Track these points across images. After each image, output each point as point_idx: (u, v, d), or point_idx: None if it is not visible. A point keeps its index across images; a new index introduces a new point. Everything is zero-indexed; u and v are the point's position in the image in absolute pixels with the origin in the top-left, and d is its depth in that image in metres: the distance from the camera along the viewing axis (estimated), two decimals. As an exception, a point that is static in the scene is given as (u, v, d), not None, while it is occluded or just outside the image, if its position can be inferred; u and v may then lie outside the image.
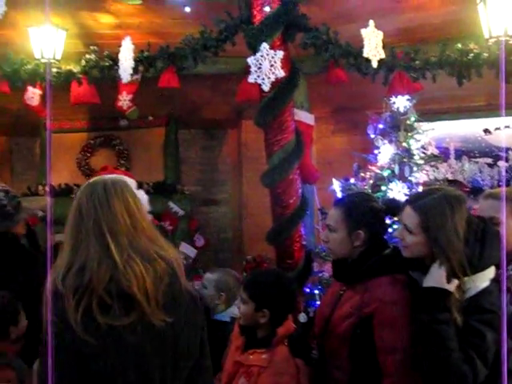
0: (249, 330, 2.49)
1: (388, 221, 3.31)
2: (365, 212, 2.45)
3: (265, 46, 3.70)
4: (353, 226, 2.41)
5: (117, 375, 1.60)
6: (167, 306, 1.65)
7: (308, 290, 4.54)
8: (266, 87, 3.74)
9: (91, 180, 1.84)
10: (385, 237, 2.62)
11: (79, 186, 3.88)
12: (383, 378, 2.21)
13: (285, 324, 2.46)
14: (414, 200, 2.31)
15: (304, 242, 4.34)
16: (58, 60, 4.50)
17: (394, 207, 2.59)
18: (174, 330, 1.66)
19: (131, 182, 3.88)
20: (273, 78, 3.73)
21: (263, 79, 3.70)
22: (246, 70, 4.30)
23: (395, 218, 3.61)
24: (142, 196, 3.88)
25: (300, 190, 4.24)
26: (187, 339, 1.71)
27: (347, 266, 2.44)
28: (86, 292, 1.60)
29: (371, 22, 3.89)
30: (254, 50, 3.82)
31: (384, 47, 3.93)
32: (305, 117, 4.67)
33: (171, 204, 6.08)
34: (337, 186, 4.92)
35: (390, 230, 3.55)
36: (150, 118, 6.38)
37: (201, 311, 1.82)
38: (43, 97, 4.78)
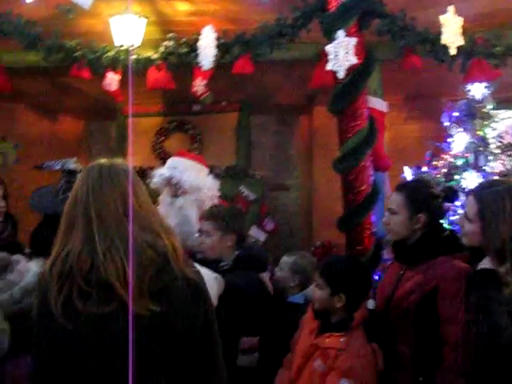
0: (323, 314, 2.54)
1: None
2: (426, 197, 2.61)
3: (341, 33, 3.71)
4: (414, 210, 2.58)
5: (99, 363, 1.59)
6: (155, 295, 1.60)
7: (377, 278, 4.54)
8: (342, 74, 3.75)
9: (90, 164, 1.79)
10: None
11: (153, 168, 4.04)
12: (444, 348, 2.36)
13: (361, 309, 2.52)
14: (477, 190, 2.40)
15: (374, 229, 4.34)
16: (137, 47, 4.64)
17: (451, 194, 2.80)
18: (164, 319, 1.61)
19: (201, 169, 4.03)
20: (347, 65, 3.74)
21: (340, 66, 3.71)
22: (320, 57, 4.32)
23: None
24: (211, 182, 4.02)
25: (372, 178, 4.23)
26: (183, 327, 1.66)
27: (408, 248, 2.61)
28: (67, 279, 1.59)
29: (450, 8, 3.81)
30: (330, 36, 3.83)
31: (463, 33, 3.85)
32: (378, 104, 4.64)
33: (242, 188, 6.17)
34: (408, 173, 4.88)
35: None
36: (223, 103, 6.47)
37: (205, 298, 1.75)
38: (121, 82, 4.94)
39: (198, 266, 2.60)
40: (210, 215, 3.11)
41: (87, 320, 1.57)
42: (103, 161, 1.78)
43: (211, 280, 2.64)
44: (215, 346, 1.78)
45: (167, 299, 1.62)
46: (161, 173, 3.91)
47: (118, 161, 1.80)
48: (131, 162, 6.38)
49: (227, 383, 1.80)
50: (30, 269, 2.39)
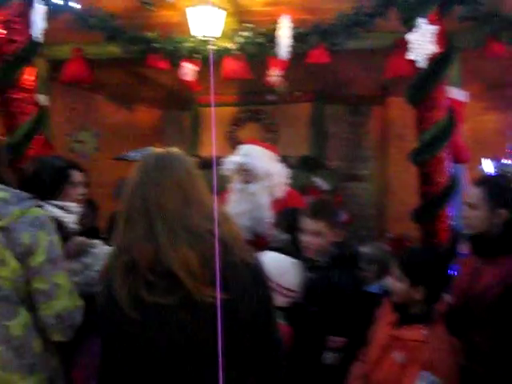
0: (401, 306, 2.51)
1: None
2: (506, 192, 2.58)
3: (421, 20, 3.62)
4: (494, 205, 2.54)
5: (164, 352, 1.60)
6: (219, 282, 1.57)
7: (453, 272, 4.43)
8: (422, 64, 3.67)
9: (144, 154, 1.79)
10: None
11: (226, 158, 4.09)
12: None
13: (441, 301, 2.48)
14: None
15: (451, 222, 4.24)
16: (215, 37, 4.70)
17: None
18: (228, 306, 1.58)
19: (272, 156, 4.05)
20: (428, 54, 3.65)
21: (420, 55, 3.63)
22: (396, 46, 4.24)
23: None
24: (281, 169, 4.04)
25: (450, 170, 4.14)
26: (246, 313, 1.65)
27: (488, 242, 2.57)
28: (131, 271, 1.60)
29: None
30: (409, 24, 3.75)
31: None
32: (457, 94, 4.51)
33: (316, 178, 6.15)
34: (488, 165, 4.74)
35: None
36: (297, 93, 6.46)
37: (264, 283, 1.73)
38: (198, 72, 5.01)
39: (273, 252, 2.65)
40: (319, 214, 2.87)
41: (153, 310, 1.59)
42: (158, 150, 1.78)
43: (288, 265, 2.66)
44: (275, 334, 1.77)
45: (229, 286, 1.61)
46: (233, 159, 3.95)
47: (174, 149, 1.79)
48: (201, 151, 6.53)
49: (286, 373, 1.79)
50: (105, 253, 2.49)
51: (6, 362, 1.95)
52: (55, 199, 2.63)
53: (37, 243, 2.00)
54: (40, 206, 2.11)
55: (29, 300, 2.03)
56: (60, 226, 2.62)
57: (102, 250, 2.61)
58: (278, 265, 2.63)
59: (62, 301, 2.04)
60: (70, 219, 2.60)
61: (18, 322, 1.99)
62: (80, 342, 2.46)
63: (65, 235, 2.56)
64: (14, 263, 1.97)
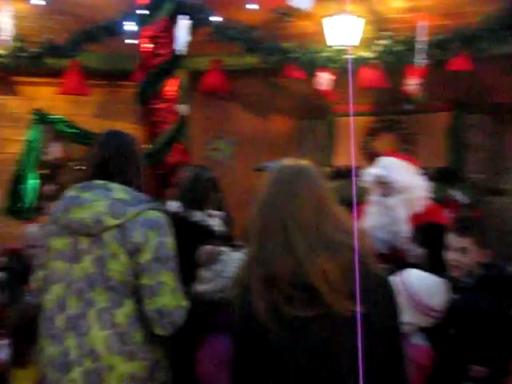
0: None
1: None
2: None
3: None
4: None
5: (304, 366, 1.58)
6: (355, 295, 1.54)
7: None
8: None
9: (276, 166, 1.77)
10: None
11: (361, 168, 4.02)
12: None
13: None
14: None
15: None
16: (353, 46, 4.67)
17: None
18: (365, 319, 1.54)
19: (412, 169, 3.93)
20: None
21: None
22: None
23: None
24: (422, 182, 3.90)
25: None
26: (379, 326, 1.60)
27: None
28: (270, 284, 1.59)
29: None
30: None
31: None
32: None
33: (454, 191, 5.87)
34: None
35: None
36: (436, 102, 6.22)
37: (394, 297, 1.69)
38: (333, 82, 5.00)
39: (417, 270, 2.56)
40: (467, 230, 2.71)
41: (292, 323, 1.59)
42: (289, 162, 1.78)
43: (434, 283, 2.56)
44: (401, 350, 1.70)
45: (366, 299, 1.57)
46: (372, 172, 3.90)
47: (304, 161, 1.78)
48: (336, 160, 6.48)
49: None
50: (234, 259, 2.60)
51: (110, 345, 2.13)
52: (205, 207, 2.96)
53: (146, 242, 2.17)
54: (157, 209, 2.25)
55: (136, 293, 2.19)
56: (208, 231, 2.80)
57: (230, 256, 2.71)
58: (423, 283, 2.53)
59: (164, 298, 2.17)
60: (216, 225, 2.78)
61: (123, 312, 2.16)
62: (204, 340, 2.59)
63: (211, 240, 2.74)
64: (124, 258, 2.15)
